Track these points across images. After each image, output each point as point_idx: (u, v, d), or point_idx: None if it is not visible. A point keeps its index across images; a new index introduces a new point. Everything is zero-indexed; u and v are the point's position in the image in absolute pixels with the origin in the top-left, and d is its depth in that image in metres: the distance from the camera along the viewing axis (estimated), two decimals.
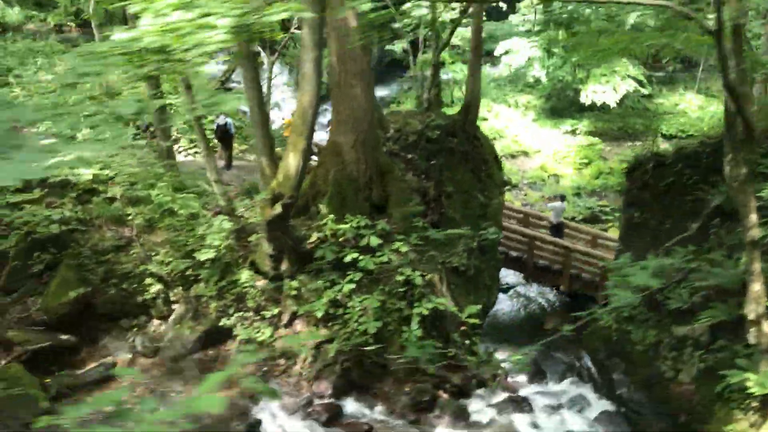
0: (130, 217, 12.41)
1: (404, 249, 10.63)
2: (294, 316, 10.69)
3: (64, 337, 10.44)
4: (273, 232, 10.25)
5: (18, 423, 8.79)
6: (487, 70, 33.78)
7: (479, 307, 11.81)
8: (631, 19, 31.80)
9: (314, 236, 10.76)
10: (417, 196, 11.62)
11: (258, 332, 10.57)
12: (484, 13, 14.76)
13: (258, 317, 10.73)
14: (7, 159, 3.56)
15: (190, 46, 3.38)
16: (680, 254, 11.17)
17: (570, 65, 32.06)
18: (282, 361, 10.54)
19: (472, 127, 13.36)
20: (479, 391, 11.18)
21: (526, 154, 28.12)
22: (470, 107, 13.10)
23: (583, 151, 27.93)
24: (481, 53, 13.56)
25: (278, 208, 9.66)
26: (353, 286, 10.34)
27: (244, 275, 10.96)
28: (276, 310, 10.71)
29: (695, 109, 30.64)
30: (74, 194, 12.28)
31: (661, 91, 32.19)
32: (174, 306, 11.15)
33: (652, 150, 12.58)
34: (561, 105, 30.89)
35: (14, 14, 31.48)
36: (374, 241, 10.50)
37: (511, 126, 29.12)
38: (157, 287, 10.97)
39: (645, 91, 30.39)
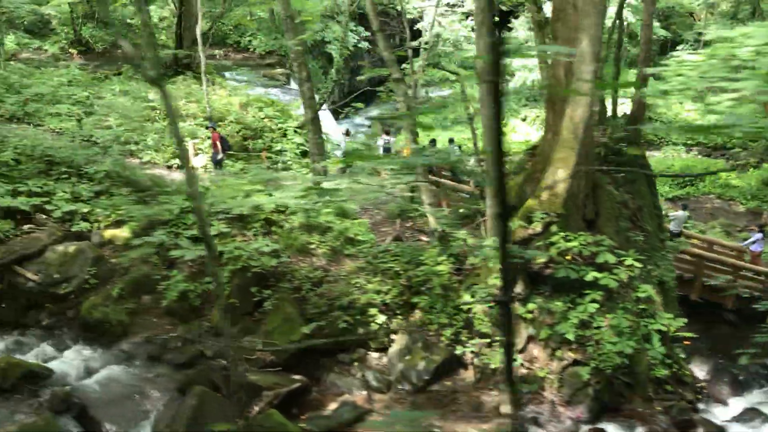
0: (312, 246, 11.84)
1: (639, 265, 10.38)
2: (529, 340, 10.30)
3: (296, 377, 9.81)
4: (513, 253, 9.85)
5: None
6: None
7: (685, 320, 11.64)
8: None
9: (541, 256, 10.39)
10: (622, 209, 11.42)
11: (491, 359, 10.13)
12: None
13: (489, 343, 10.29)
14: None
15: None
16: None
17: None
18: (523, 388, 10.12)
19: (639, 138, 13.26)
20: (701, 405, 11.03)
21: None
22: (636, 117, 13.02)
23: None
24: (649, 57, 13.47)
25: (537, 227, 9.30)
26: (597, 305, 10.03)
27: (466, 300, 10.53)
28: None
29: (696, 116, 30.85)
30: (257, 225, 11.64)
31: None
32: (392, 336, 10.62)
33: None
34: None
35: (9, 42, 30.22)
36: (611, 258, 10.20)
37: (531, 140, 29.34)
38: (381, 318, 10.42)
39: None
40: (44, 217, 12.25)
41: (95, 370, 9.59)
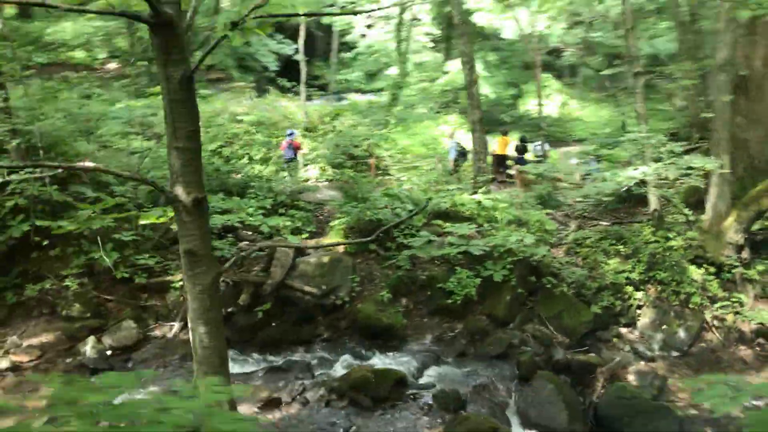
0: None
1: None
2: (756, 299, 11.67)
3: (592, 354, 10.42)
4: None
5: None
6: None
7: None
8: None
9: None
10: None
11: (734, 319, 11.38)
12: None
13: (726, 305, 11.52)
14: None
15: None
16: None
17: (503, 83, 35.43)
18: (761, 341, 11.46)
19: None
20: None
21: None
22: None
23: None
24: None
25: None
26: None
27: (692, 269, 11.70)
28: (742, 296, 11.59)
29: (586, 115, 33.18)
30: (482, 222, 12.05)
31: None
32: (637, 311, 11.51)
33: None
34: (490, 119, 33.07)
35: None
36: None
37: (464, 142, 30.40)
38: (638, 294, 11.29)
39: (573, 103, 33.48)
40: (249, 233, 11.74)
41: (419, 374, 9.54)
